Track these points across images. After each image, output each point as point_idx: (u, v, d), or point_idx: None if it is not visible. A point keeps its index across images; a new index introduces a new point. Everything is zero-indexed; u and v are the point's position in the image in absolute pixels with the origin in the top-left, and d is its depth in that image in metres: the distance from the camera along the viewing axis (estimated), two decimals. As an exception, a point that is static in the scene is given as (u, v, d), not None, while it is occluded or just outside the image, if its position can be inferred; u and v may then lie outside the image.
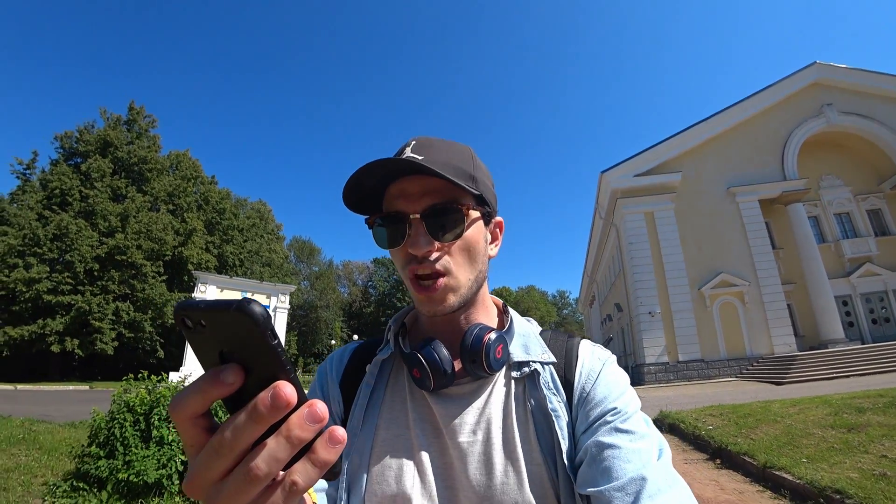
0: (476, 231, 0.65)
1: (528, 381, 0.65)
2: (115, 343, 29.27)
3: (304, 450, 0.28)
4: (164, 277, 32.39)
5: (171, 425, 4.33)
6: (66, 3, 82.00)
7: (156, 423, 4.35)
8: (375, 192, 0.65)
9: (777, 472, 4.82)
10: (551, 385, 0.64)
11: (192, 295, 28.32)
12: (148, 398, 4.52)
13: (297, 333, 49.42)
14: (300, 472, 0.28)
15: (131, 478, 3.98)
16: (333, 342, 46.33)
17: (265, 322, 0.25)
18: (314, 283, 55.02)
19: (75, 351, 28.00)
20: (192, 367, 22.23)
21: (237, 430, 0.27)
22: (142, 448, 4.23)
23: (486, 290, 0.72)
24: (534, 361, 0.66)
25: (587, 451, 0.56)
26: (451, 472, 0.61)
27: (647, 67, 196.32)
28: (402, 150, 0.64)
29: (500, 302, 0.77)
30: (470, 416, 0.63)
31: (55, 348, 27.07)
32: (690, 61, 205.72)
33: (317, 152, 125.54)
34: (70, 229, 27.84)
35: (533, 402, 0.63)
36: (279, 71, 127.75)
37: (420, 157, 0.60)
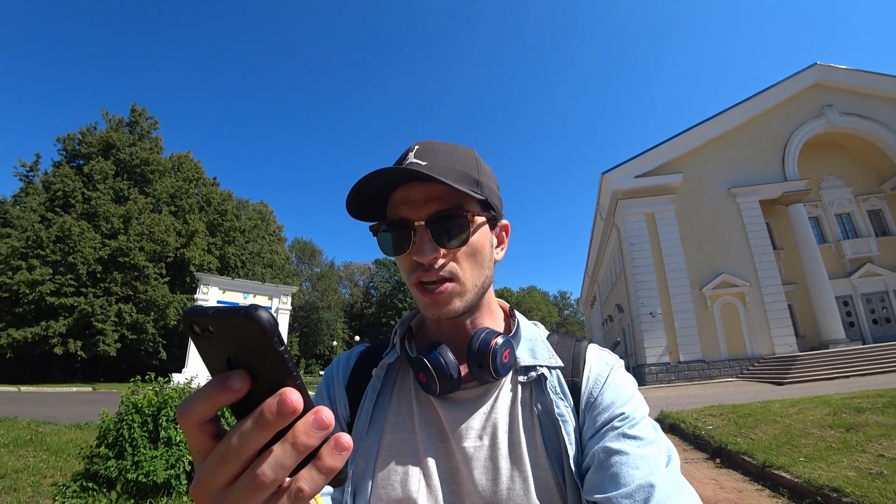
0: (482, 236, 0.65)
1: (534, 386, 0.65)
2: (118, 345, 29.34)
3: (311, 456, 0.28)
4: (167, 279, 32.46)
5: (178, 426, 4.40)
6: (66, 4, 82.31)
7: (164, 424, 4.43)
8: (380, 198, 0.65)
9: (775, 471, 4.88)
10: (558, 390, 0.63)
11: (195, 297, 28.40)
12: (156, 400, 4.59)
13: (299, 334, 49.52)
14: (306, 478, 0.28)
15: (140, 478, 4.05)
16: (335, 343, 46.36)
17: (272, 328, 0.26)
18: (315, 284, 55.09)
19: (78, 353, 28.07)
20: (194, 369, 22.31)
21: (243, 437, 0.27)
22: (150, 449, 4.30)
23: (492, 293, 0.72)
24: (541, 366, 0.66)
25: (594, 457, 0.56)
26: (457, 477, 0.60)
27: (648, 68, 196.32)
28: (405, 155, 0.63)
29: (507, 306, 0.77)
30: (476, 420, 0.63)
31: (58, 350, 27.15)
32: (691, 62, 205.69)
33: (318, 153, 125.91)
34: (73, 231, 27.95)
35: (540, 406, 0.63)
36: (280, 72, 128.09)
37: (424, 163, 0.60)
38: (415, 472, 0.60)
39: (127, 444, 4.26)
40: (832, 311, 19.70)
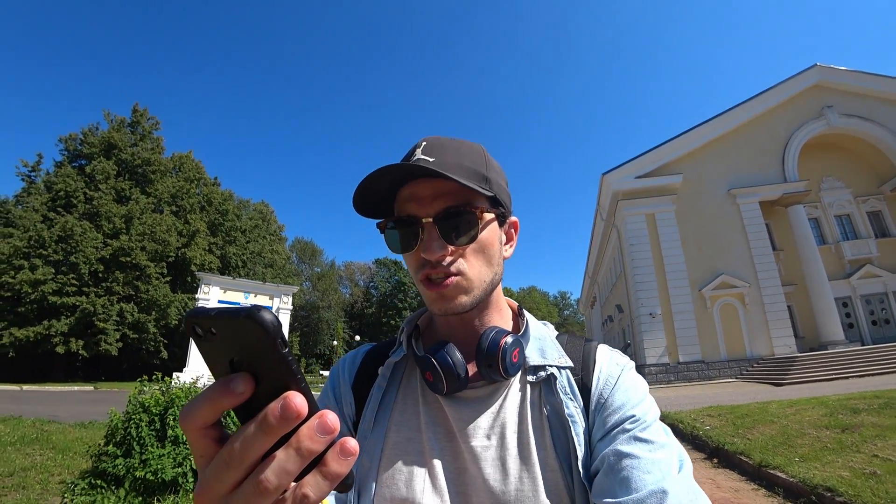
0: (490, 233, 0.64)
1: (544, 386, 0.64)
2: (120, 344, 29.45)
3: (316, 461, 0.27)
4: (168, 279, 32.59)
5: (185, 425, 4.47)
6: (68, 4, 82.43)
7: (171, 422, 4.49)
8: (387, 195, 0.64)
9: (771, 471, 4.96)
10: (568, 390, 0.62)
11: (196, 296, 28.50)
12: (162, 399, 4.66)
13: (300, 334, 49.66)
14: (311, 484, 0.27)
15: (148, 475, 4.12)
16: (335, 343, 46.42)
17: (275, 330, 0.25)
18: (316, 283, 55.21)
19: (79, 352, 28.18)
20: (195, 368, 22.41)
21: (247, 442, 0.26)
22: (157, 447, 4.38)
23: (500, 291, 0.70)
24: (550, 366, 0.64)
25: (604, 460, 0.54)
26: (464, 477, 0.59)
27: (649, 69, 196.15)
28: (412, 152, 0.63)
29: (516, 304, 0.75)
30: (484, 420, 0.62)
31: (60, 349, 27.25)
32: (692, 63, 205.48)
33: (318, 153, 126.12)
34: (75, 231, 28.05)
35: (549, 407, 0.62)
36: (282, 72, 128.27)
37: (431, 160, 0.59)
38: (420, 472, 0.59)
39: (135, 443, 4.32)
40: (831, 312, 19.77)
